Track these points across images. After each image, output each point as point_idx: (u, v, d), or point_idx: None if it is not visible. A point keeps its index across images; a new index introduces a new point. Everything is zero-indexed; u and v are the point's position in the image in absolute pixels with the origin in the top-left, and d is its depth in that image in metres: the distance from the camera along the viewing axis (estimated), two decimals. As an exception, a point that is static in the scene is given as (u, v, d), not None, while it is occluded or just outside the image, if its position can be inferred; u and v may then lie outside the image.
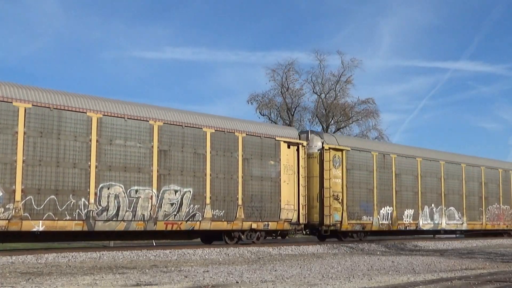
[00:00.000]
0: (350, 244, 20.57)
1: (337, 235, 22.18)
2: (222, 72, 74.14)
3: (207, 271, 10.97)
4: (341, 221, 21.27)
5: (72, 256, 13.70)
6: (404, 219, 24.00)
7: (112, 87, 70.75)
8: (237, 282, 9.15)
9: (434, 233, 28.08)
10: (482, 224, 28.33)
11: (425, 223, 25.06)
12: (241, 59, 70.72)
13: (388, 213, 23.12)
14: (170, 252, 15.33)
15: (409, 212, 24.24)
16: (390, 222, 23.26)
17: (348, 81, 45.38)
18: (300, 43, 74.14)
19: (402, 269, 11.78)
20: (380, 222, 22.73)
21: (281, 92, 44.99)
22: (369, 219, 22.34)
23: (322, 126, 45.08)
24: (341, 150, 21.56)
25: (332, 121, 45.55)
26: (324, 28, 72.63)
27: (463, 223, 27.15)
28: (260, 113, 44.71)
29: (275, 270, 11.24)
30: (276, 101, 45.30)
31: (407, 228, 24.56)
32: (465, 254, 17.53)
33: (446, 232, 27.55)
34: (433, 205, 25.48)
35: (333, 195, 21.03)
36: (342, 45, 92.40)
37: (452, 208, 26.59)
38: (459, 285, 9.14)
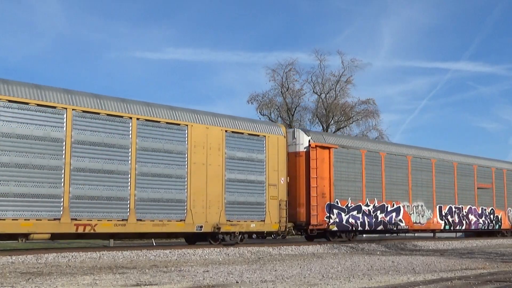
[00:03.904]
0: (350, 244, 20.58)
1: None
2: (223, 72, 74.23)
3: (207, 271, 10.97)
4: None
5: (72, 256, 13.70)
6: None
7: (114, 88, 70.82)
8: (237, 282, 9.15)
9: None
10: None
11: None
12: (242, 60, 70.82)
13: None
14: (170, 252, 15.33)
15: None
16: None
17: (348, 81, 45.41)
18: (301, 44, 74.33)
19: (402, 269, 11.78)
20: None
21: (281, 92, 45.01)
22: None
23: (322, 126, 45.09)
24: None
25: (332, 121, 45.56)
26: (325, 29, 72.71)
27: None
28: (260, 113, 44.75)
29: (275, 270, 11.24)
30: (276, 101, 45.33)
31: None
32: (465, 254, 17.53)
33: None
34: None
35: None
36: (343, 46, 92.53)
37: None
38: (459, 285, 9.13)
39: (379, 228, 22.61)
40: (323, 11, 70.92)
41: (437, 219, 25.38)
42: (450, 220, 26.22)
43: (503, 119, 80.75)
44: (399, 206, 23.51)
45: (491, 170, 29.40)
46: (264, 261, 13.80)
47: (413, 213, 24.12)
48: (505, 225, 29.91)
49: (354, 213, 21.46)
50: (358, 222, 21.54)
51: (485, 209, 28.54)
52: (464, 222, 27.07)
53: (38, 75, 68.54)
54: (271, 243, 19.84)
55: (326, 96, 45.83)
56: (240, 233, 18.05)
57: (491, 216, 28.93)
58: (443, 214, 25.80)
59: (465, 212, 27.26)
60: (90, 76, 70.68)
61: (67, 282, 8.82)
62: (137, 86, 72.32)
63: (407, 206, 23.86)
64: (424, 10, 73.83)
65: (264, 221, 18.61)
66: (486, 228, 28.64)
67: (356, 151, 22.06)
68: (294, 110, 45.27)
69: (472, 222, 27.63)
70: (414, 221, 24.06)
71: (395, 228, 23.48)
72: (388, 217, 22.85)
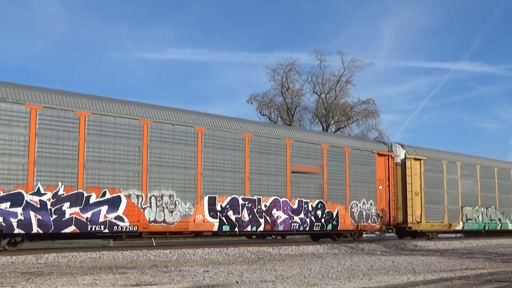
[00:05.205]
0: (350, 244, 20.59)
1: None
2: (223, 72, 74.27)
3: (207, 271, 10.98)
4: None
5: (72, 256, 13.71)
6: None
7: (115, 88, 70.85)
8: (237, 282, 9.16)
9: None
10: None
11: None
12: (242, 60, 70.86)
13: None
14: (170, 252, 15.34)
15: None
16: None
17: (348, 81, 45.44)
18: (301, 44, 74.37)
19: (402, 269, 11.78)
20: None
21: (281, 92, 45.04)
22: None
23: (322, 126, 45.10)
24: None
25: (332, 121, 45.58)
26: (326, 30, 72.79)
27: None
28: (260, 113, 44.77)
29: (275, 270, 11.24)
30: (276, 101, 45.36)
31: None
32: (465, 254, 17.54)
33: None
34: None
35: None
36: (343, 46, 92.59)
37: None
38: (459, 285, 9.14)
39: (69, 229, 14.77)
40: (323, 11, 71.07)
41: (203, 216, 17.49)
42: (233, 217, 18.23)
43: (503, 119, 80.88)
44: (118, 196, 15.74)
45: (321, 148, 21.18)
46: (264, 261, 13.81)
47: (148, 206, 16.30)
48: (346, 225, 21.72)
49: (4, 206, 13.76)
50: (13, 221, 13.87)
51: (306, 203, 20.43)
52: (262, 220, 19.00)
53: (38, 75, 68.59)
54: (271, 243, 19.86)
55: (326, 96, 45.90)
56: None
57: (318, 212, 20.78)
58: (219, 209, 17.92)
59: (266, 206, 19.21)
60: (91, 76, 70.79)
61: (67, 282, 8.83)
62: (137, 86, 72.41)
63: (137, 196, 16.13)
64: (424, 10, 73.99)
65: None
66: (307, 229, 20.50)
67: (20, 108, 14.27)
68: (294, 110, 45.30)
69: (279, 221, 19.51)
70: (152, 219, 16.28)
71: (107, 231, 15.54)
72: (89, 213, 15.12)
